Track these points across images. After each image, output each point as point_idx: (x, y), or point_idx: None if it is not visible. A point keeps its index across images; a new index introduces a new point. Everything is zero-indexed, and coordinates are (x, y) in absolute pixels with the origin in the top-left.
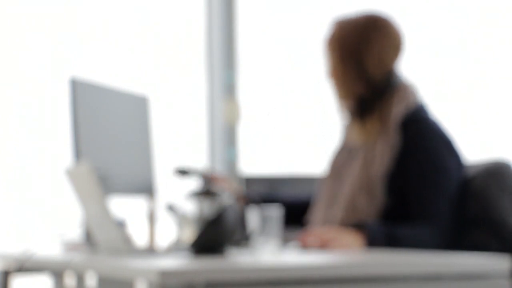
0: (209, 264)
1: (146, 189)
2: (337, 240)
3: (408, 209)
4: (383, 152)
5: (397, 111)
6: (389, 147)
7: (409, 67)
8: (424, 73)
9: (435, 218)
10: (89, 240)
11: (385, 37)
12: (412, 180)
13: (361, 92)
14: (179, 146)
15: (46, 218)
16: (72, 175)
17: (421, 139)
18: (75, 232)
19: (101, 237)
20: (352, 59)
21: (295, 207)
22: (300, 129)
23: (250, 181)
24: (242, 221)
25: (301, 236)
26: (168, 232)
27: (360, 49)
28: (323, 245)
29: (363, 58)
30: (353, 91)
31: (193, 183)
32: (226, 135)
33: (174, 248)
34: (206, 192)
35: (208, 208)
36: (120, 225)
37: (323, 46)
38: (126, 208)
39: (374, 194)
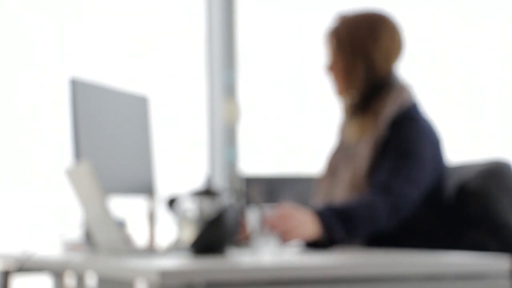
0: (209, 264)
1: (146, 189)
2: (295, 231)
3: None
4: (365, 149)
5: (390, 109)
6: (372, 143)
7: (409, 68)
8: (425, 73)
9: (392, 191)
10: (89, 240)
11: (392, 35)
12: (384, 160)
13: (362, 88)
14: (179, 146)
15: (46, 218)
16: (72, 175)
17: (405, 131)
18: (75, 232)
19: (101, 237)
20: (360, 54)
21: None
22: (300, 129)
23: (250, 181)
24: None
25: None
26: (168, 232)
27: (368, 45)
28: (284, 236)
29: (371, 53)
30: (356, 86)
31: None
32: (226, 135)
33: (174, 248)
34: (206, 192)
35: (208, 208)
36: (120, 225)
37: (326, 39)
38: (126, 208)
39: (361, 191)
